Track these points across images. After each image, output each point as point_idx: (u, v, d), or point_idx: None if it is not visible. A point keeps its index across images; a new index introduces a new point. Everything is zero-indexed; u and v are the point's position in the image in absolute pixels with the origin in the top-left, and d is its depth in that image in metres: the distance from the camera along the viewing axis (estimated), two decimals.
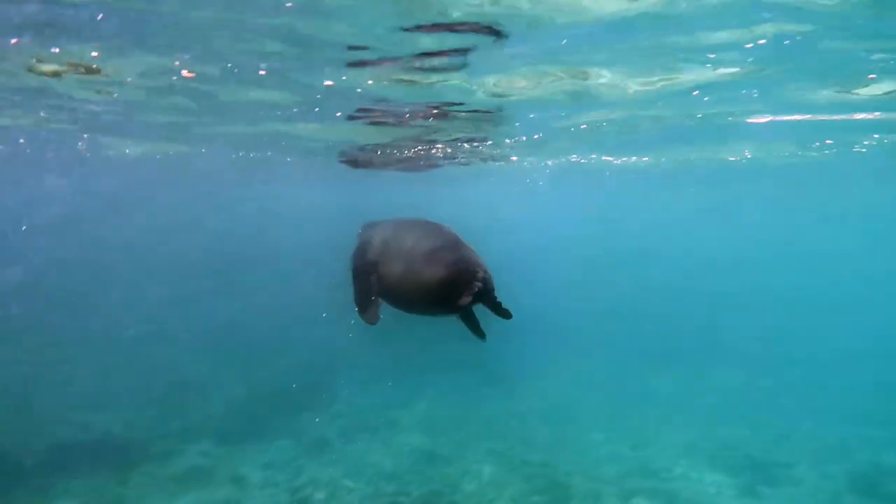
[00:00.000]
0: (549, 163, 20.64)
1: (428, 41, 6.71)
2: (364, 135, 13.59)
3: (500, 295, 4.69)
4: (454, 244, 4.76)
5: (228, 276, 21.32)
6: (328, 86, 8.84)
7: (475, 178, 24.42)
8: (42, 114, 12.67)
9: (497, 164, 19.91)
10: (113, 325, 19.15)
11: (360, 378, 18.72)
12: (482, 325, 4.91)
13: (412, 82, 8.37)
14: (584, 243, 45.27)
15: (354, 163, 18.20)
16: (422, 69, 7.73)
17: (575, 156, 18.73)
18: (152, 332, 19.02)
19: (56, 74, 8.48)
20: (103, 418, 14.04)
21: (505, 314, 4.61)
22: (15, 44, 7.20)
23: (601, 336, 25.76)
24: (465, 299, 4.32)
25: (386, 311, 5.39)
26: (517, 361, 22.69)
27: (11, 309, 18.18)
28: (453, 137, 13.82)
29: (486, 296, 4.47)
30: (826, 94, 9.94)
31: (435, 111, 10.62)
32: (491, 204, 34.28)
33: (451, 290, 4.45)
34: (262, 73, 8.18)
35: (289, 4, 5.69)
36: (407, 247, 4.80)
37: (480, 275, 4.46)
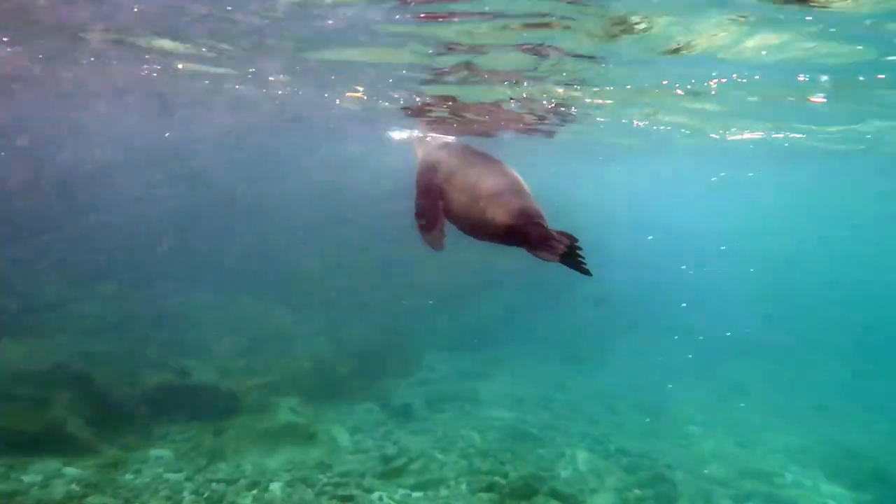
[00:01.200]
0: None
1: None
2: None
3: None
4: (517, 189, 4.40)
5: (316, 230, 21.27)
6: None
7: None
8: None
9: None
10: (205, 269, 19.41)
11: (440, 345, 18.39)
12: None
13: None
14: (677, 223, 43.20)
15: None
16: None
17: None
18: (240, 280, 19.14)
19: None
20: (197, 365, 14.22)
21: (584, 271, 4.12)
22: None
23: (686, 321, 24.48)
24: (545, 255, 3.95)
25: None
26: (599, 341, 21.87)
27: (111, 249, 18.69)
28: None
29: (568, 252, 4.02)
30: None
31: None
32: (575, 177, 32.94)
33: (515, 236, 4.15)
34: None
35: None
36: (472, 180, 4.50)
37: (543, 226, 4.10)
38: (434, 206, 4.73)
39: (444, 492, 9.64)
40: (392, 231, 21.80)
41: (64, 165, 20.82)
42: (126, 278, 18.12)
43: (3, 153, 18.43)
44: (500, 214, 4.18)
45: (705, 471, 11.30)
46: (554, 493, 9.25)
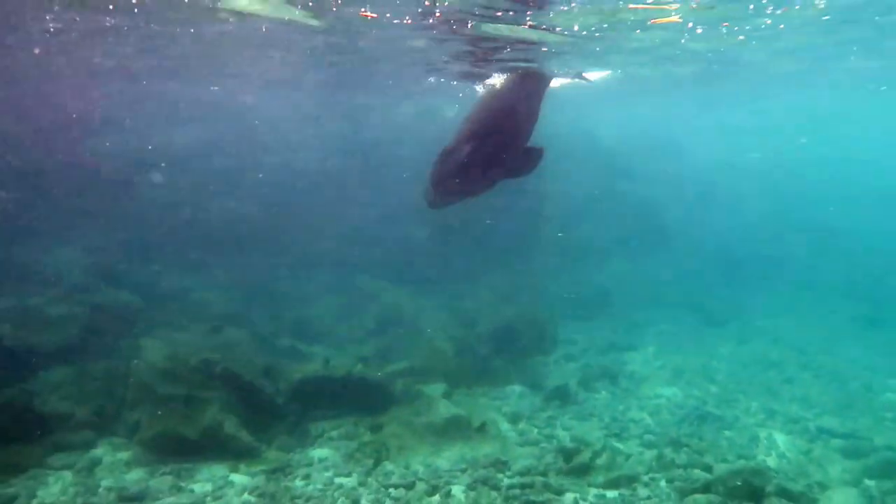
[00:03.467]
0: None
1: None
2: None
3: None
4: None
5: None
6: None
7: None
8: None
9: None
10: (316, 248, 18.73)
11: (568, 314, 17.07)
12: None
13: None
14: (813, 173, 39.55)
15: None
16: None
17: None
18: (353, 257, 18.37)
19: None
20: (331, 353, 13.55)
21: None
22: None
23: (834, 271, 22.09)
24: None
25: None
26: (732, 299, 20.01)
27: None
28: None
29: None
30: None
31: None
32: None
33: None
34: None
35: None
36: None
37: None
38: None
39: (643, 491, 8.42)
40: (500, 198, 20.55)
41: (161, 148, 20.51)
42: (235, 262, 17.67)
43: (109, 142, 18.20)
44: None
45: None
46: (783, 492, 7.86)
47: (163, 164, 18.31)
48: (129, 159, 18.08)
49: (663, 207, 24.73)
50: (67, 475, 8.50)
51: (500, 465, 9.09)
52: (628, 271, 20.61)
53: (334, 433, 10.15)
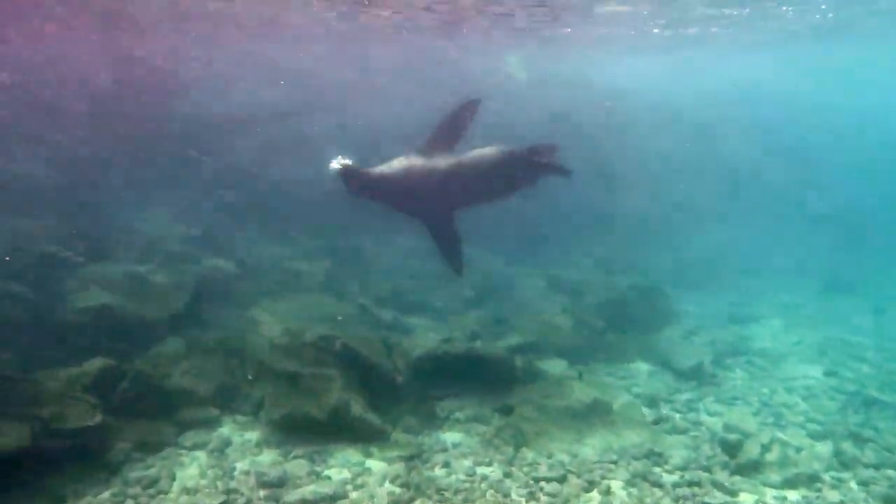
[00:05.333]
0: None
1: None
2: None
3: None
4: None
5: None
6: None
7: None
8: None
9: None
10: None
11: (675, 284, 15.93)
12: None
13: None
14: None
15: None
16: None
17: None
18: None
19: None
20: (438, 326, 12.94)
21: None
22: None
23: None
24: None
25: None
26: (850, 264, 18.43)
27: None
28: None
29: None
30: None
31: None
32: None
33: None
34: None
35: None
36: None
37: None
38: None
39: (832, 495, 7.46)
40: (598, 162, 19.31)
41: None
42: (321, 229, 17.11)
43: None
44: None
45: None
46: None
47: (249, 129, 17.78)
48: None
49: (757, 171, 23.00)
50: (201, 456, 8.12)
51: (655, 456, 8.28)
52: (728, 238, 19.22)
53: (460, 415, 9.51)
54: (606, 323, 12.66)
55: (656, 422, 9.36)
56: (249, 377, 9.47)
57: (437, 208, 6.55)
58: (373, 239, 16.90)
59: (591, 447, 8.57)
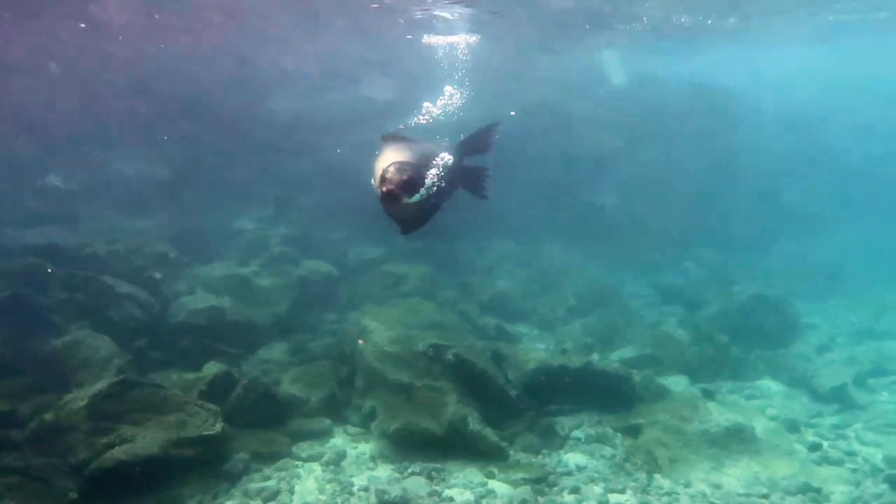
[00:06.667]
0: None
1: None
2: None
3: None
4: None
5: (612, 156, 18.20)
6: None
7: None
8: None
9: None
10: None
11: (796, 293, 14.59)
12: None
13: None
14: None
15: None
16: None
17: None
18: (532, 224, 16.88)
19: None
20: (544, 335, 12.35)
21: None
22: None
23: None
24: None
25: None
26: None
27: None
28: None
29: None
30: None
31: None
32: None
33: None
34: None
35: None
36: None
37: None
38: None
39: None
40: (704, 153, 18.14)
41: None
42: (421, 231, 16.71)
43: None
44: None
45: None
46: None
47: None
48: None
49: (876, 170, 21.05)
50: (316, 468, 7.87)
51: (813, 492, 7.37)
52: (856, 241, 17.62)
53: (579, 434, 8.87)
54: (729, 336, 11.67)
55: (803, 450, 8.42)
56: (360, 386, 9.17)
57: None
58: (469, 242, 16.42)
59: (735, 477, 7.76)
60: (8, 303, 9.04)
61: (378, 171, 4.53)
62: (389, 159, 4.56)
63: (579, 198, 17.23)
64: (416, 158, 4.68)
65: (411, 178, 4.41)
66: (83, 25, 16.15)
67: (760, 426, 8.79)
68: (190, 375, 8.87)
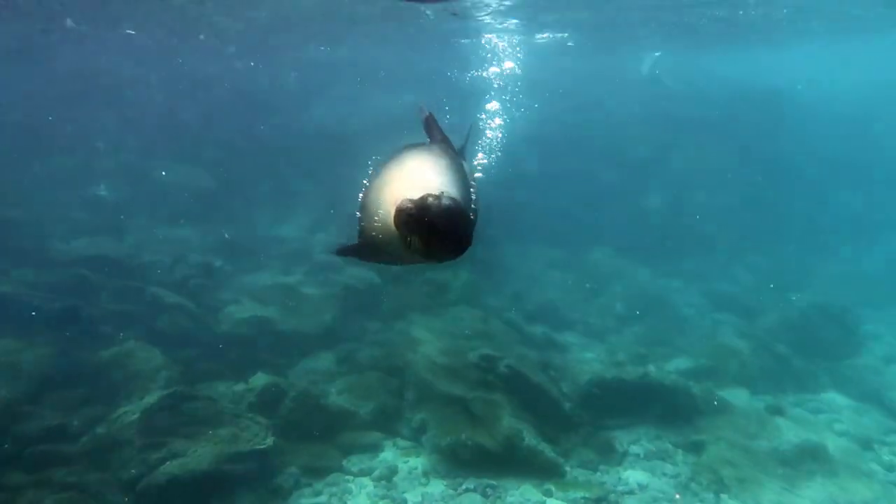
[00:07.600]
0: None
1: None
2: None
3: None
4: None
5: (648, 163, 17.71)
6: None
7: None
8: None
9: None
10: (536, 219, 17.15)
11: (868, 302, 13.82)
12: None
13: None
14: None
15: None
16: None
17: None
18: (577, 229, 16.49)
19: None
20: (594, 344, 11.98)
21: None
22: None
23: None
24: None
25: None
26: None
27: None
28: None
29: None
30: None
31: None
32: None
33: None
34: None
35: None
36: None
37: None
38: None
39: None
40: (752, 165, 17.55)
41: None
42: None
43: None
44: None
45: None
46: None
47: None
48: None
49: None
50: (367, 484, 7.66)
51: None
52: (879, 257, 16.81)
53: (638, 449, 8.51)
54: (789, 346, 11.15)
55: (880, 470, 7.91)
56: (411, 399, 8.95)
57: None
58: (511, 248, 16.13)
59: (809, 500, 7.31)
60: (63, 314, 9.06)
61: (395, 200, 2.71)
62: (419, 183, 2.85)
63: (626, 201, 16.77)
64: (448, 177, 3.01)
65: (469, 215, 2.81)
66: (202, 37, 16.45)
67: (830, 443, 8.31)
68: (238, 387, 8.77)
